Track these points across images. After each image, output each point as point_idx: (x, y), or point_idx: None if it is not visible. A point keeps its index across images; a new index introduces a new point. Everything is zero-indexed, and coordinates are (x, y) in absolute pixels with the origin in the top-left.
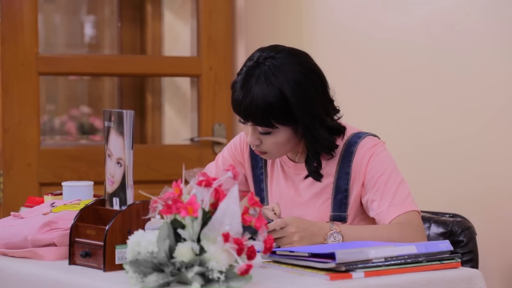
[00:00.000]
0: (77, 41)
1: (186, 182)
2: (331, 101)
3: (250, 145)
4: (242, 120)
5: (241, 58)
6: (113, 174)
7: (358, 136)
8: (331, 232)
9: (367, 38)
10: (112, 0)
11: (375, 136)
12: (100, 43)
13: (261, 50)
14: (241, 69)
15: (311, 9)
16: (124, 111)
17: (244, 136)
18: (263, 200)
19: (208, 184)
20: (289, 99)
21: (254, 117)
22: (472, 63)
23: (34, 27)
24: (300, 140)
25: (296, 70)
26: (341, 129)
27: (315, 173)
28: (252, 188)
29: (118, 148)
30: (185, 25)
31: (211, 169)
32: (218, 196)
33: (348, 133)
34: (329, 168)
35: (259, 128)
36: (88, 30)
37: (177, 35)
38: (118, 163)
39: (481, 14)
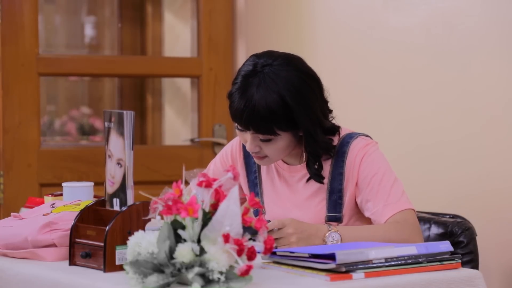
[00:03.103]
0: (77, 42)
1: (186, 183)
2: (326, 102)
3: (248, 151)
4: (240, 128)
5: (241, 58)
6: (113, 175)
7: (350, 137)
8: (329, 232)
9: (367, 39)
10: (112, 1)
11: (367, 136)
12: (100, 44)
13: (257, 56)
14: (236, 78)
15: (311, 9)
16: (124, 112)
17: (236, 143)
18: None
19: (208, 185)
20: (290, 105)
21: (256, 125)
22: (472, 63)
23: (34, 28)
24: (298, 143)
25: (294, 75)
26: (336, 129)
27: (317, 176)
28: (247, 193)
29: (118, 149)
30: (185, 26)
31: None
32: (218, 197)
33: (341, 134)
34: (324, 169)
35: (260, 136)
36: (88, 31)
37: (177, 35)
38: (118, 163)
39: (481, 14)
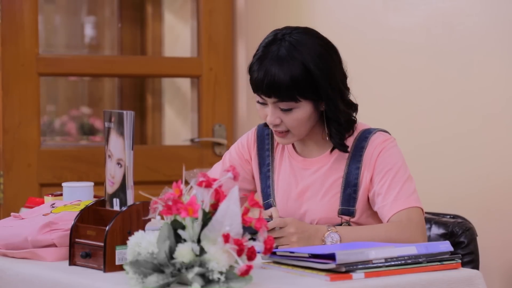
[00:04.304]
0: (77, 42)
1: (186, 183)
2: (345, 75)
3: (262, 144)
4: (261, 101)
5: (242, 58)
6: (113, 175)
7: (368, 132)
8: (328, 232)
9: (367, 39)
10: (112, 1)
11: (385, 131)
12: (100, 44)
13: (276, 29)
14: (257, 50)
15: (311, 10)
16: (124, 112)
17: (251, 135)
18: (269, 197)
19: (208, 184)
20: (312, 71)
21: (278, 92)
22: (472, 63)
23: (34, 28)
24: (319, 119)
25: (316, 43)
26: (355, 106)
27: (341, 145)
28: (258, 185)
29: (118, 149)
30: (185, 26)
31: (217, 168)
32: (218, 197)
33: (359, 129)
34: (339, 163)
35: (281, 105)
36: (88, 31)
37: (177, 35)
38: (118, 163)
39: (481, 14)
